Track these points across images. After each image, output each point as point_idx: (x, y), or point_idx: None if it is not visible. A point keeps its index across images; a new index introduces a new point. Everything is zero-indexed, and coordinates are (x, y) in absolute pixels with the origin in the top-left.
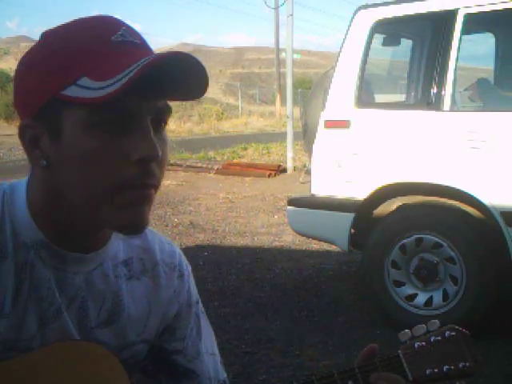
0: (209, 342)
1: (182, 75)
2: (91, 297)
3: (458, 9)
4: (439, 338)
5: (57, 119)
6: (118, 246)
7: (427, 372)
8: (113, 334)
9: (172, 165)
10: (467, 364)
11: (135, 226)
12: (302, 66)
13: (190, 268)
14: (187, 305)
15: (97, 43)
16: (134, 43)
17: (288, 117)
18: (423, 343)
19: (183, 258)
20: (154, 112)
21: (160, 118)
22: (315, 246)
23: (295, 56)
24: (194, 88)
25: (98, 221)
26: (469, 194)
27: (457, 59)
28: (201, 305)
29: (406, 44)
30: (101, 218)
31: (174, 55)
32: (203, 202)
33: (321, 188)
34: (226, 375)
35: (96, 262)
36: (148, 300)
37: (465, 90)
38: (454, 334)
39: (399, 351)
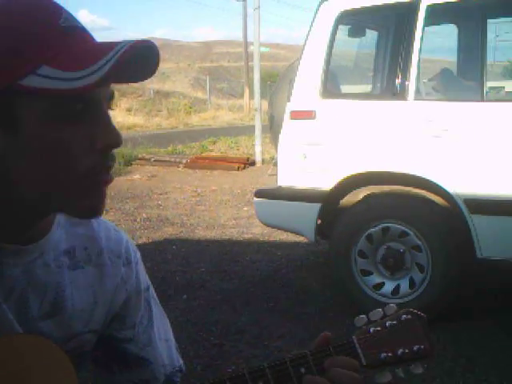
0: (162, 329)
1: (145, 61)
2: (32, 288)
3: (421, 0)
4: (395, 322)
5: (11, 110)
6: (60, 235)
7: (382, 356)
8: (57, 325)
9: (140, 159)
10: (422, 347)
11: (96, 209)
12: (270, 60)
13: (138, 254)
14: (136, 292)
15: (46, 28)
16: (79, 28)
17: (256, 110)
18: (378, 328)
19: (131, 244)
20: (108, 98)
21: (110, 102)
22: (283, 237)
23: (263, 49)
24: (149, 71)
25: (53, 209)
26: (433, 183)
27: (420, 50)
28: (152, 291)
29: (373, 35)
30: (58, 207)
31: (145, 43)
32: (172, 196)
33: (287, 179)
34: (181, 362)
35: (36, 253)
36: (93, 289)
37: (429, 80)
38: (409, 317)
39: (353, 336)
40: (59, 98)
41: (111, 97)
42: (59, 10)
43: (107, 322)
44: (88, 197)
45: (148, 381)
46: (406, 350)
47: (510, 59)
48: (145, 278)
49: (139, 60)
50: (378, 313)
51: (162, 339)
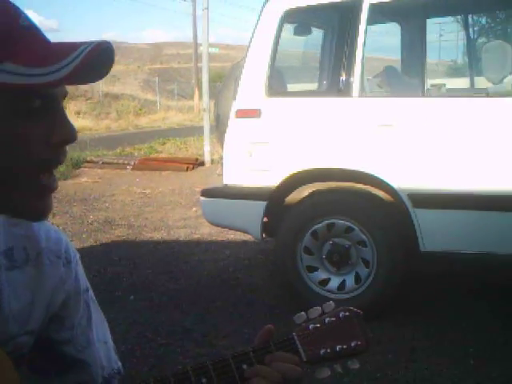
0: (100, 331)
1: (102, 62)
2: None
3: None
4: (333, 318)
5: None
6: None
7: (321, 352)
8: None
9: (88, 162)
10: (359, 343)
11: (43, 211)
12: (220, 60)
13: (78, 256)
14: (75, 293)
15: (8, 26)
16: (36, 28)
17: (204, 110)
18: (318, 325)
19: (70, 245)
20: (63, 95)
21: (63, 100)
22: (232, 236)
23: (213, 50)
24: (103, 73)
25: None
26: (378, 178)
27: (364, 47)
28: (91, 293)
29: (319, 33)
30: (7, 206)
31: (106, 44)
32: (119, 198)
33: (233, 177)
34: (120, 364)
35: None
36: (31, 290)
37: (374, 77)
38: (347, 314)
39: (293, 333)
40: (20, 93)
41: (65, 95)
42: (18, 9)
43: (45, 322)
44: (37, 198)
45: (86, 383)
46: (344, 346)
47: (454, 59)
48: (84, 280)
49: (98, 61)
50: (316, 310)
51: (101, 341)
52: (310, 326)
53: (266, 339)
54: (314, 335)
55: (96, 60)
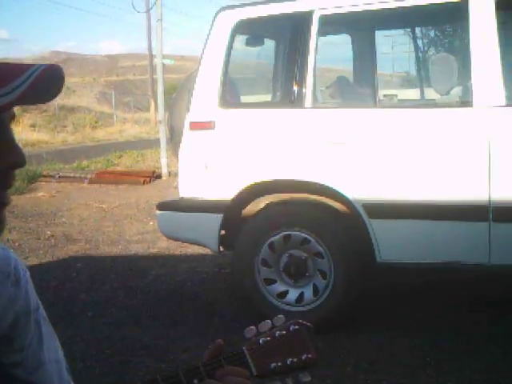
0: (52, 350)
1: (52, 84)
2: None
3: (314, 10)
4: (284, 332)
5: None
6: None
7: (271, 366)
8: None
9: (45, 176)
10: (309, 355)
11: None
12: (176, 72)
13: (28, 274)
14: (25, 312)
15: None
16: None
17: (160, 122)
18: (268, 338)
19: (20, 263)
20: (10, 118)
21: (11, 123)
22: (190, 250)
23: (168, 61)
24: (54, 95)
25: None
26: (333, 189)
27: (315, 57)
28: (42, 311)
29: (272, 45)
30: None
31: (55, 68)
32: (76, 213)
33: (189, 190)
34: (72, 383)
35: None
36: None
37: (326, 87)
38: (297, 327)
39: (244, 347)
40: None
41: (13, 117)
42: None
43: None
44: None
45: None
46: (295, 359)
47: (407, 71)
48: (35, 298)
49: (48, 84)
50: (267, 324)
51: (52, 361)
52: (261, 340)
53: (215, 354)
54: (264, 349)
55: (45, 84)
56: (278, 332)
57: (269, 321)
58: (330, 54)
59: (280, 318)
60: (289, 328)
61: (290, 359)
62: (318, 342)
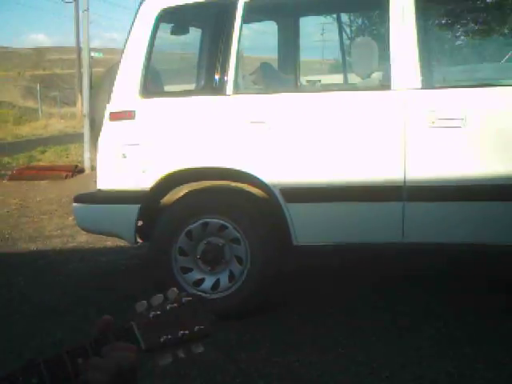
0: None
1: None
2: None
3: None
4: (175, 305)
5: None
6: None
7: (161, 339)
8: None
9: None
10: (202, 327)
11: None
12: (105, 65)
13: None
14: None
15: None
16: None
17: (85, 116)
18: (158, 312)
19: None
20: None
21: None
22: (109, 243)
23: (96, 54)
24: None
25: None
26: (251, 175)
27: (238, 44)
28: None
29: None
30: None
31: None
32: None
33: (107, 182)
34: None
35: None
36: None
37: (250, 74)
38: (189, 299)
39: (132, 322)
40: None
41: None
42: None
43: None
44: None
45: None
46: (186, 332)
47: (336, 57)
48: None
49: None
50: (159, 297)
51: None
52: (151, 314)
53: (104, 330)
54: (154, 323)
55: None
56: (170, 305)
57: (161, 295)
58: (256, 42)
59: (173, 291)
60: (181, 300)
61: (182, 332)
62: (211, 314)
